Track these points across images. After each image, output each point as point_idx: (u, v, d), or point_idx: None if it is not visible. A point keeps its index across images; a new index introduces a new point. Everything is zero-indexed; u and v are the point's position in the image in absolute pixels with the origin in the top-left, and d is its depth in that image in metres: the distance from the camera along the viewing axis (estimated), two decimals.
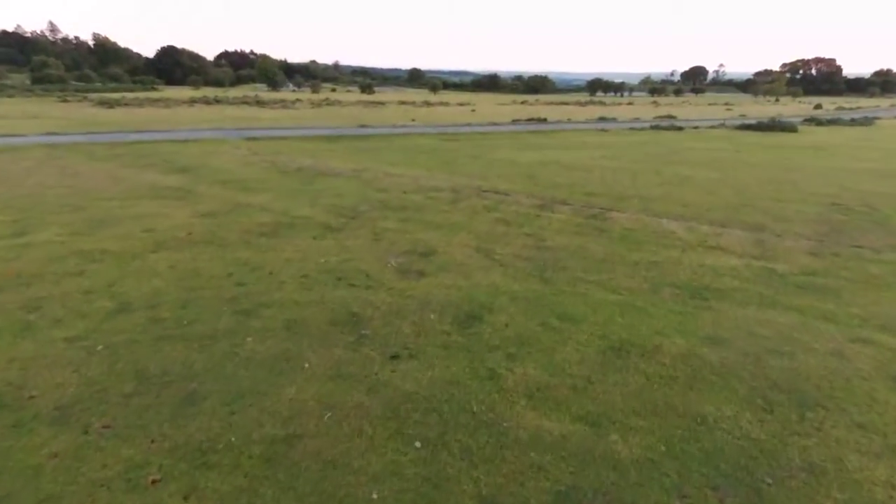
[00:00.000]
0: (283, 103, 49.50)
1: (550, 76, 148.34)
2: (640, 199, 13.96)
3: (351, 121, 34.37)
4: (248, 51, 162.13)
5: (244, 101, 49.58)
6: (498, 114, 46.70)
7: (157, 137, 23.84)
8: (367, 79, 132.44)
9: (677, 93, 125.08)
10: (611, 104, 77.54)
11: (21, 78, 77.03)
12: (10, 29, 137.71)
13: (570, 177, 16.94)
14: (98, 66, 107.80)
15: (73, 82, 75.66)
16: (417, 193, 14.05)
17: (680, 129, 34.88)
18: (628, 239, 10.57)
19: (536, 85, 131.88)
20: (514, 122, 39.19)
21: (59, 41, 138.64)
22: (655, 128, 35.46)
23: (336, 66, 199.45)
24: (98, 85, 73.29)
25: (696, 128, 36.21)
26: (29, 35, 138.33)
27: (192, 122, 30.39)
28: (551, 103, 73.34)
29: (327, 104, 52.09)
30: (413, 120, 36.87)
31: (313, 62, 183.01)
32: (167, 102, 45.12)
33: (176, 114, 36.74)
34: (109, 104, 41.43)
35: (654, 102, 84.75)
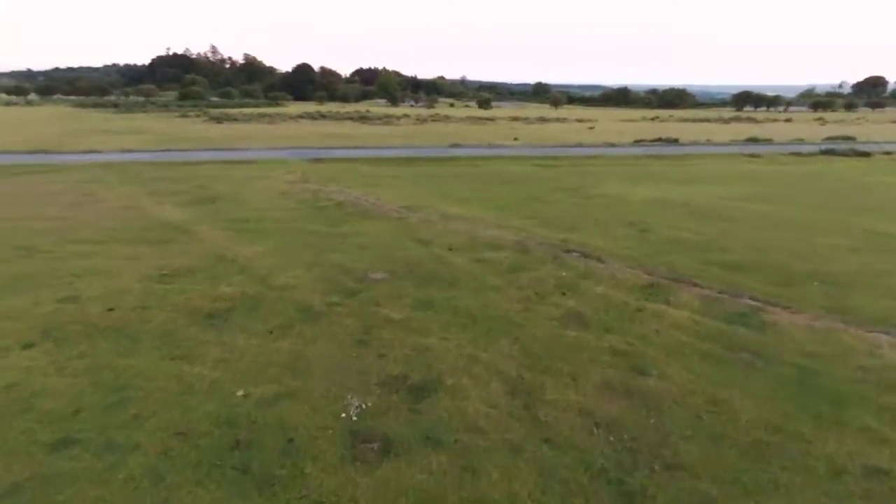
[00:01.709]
0: (387, 119, 47.71)
1: (690, 89, 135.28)
2: (823, 282, 8.61)
3: (444, 139, 30.95)
4: (380, 67, 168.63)
5: (349, 117, 48.48)
6: (619, 132, 40.55)
7: (220, 157, 22.15)
8: (493, 93, 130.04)
9: (849, 107, 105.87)
10: (763, 121, 65.90)
11: (174, 95, 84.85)
12: (180, 51, 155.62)
13: (701, 230, 11.78)
14: (245, 83, 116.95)
15: (215, 98, 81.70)
16: (467, 251, 9.92)
17: (866, 154, 26.35)
18: (813, 385, 5.60)
19: (672, 98, 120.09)
20: (637, 142, 33.29)
21: (217, 61, 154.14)
22: (828, 153, 27.03)
23: (463, 81, 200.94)
24: (236, 101, 78.33)
25: (888, 153, 27.45)
26: (194, 57, 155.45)
27: (273, 140, 28.84)
28: (687, 120, 64.21)
29: (433, 120, 49.43)
30: (516, 139, 32.55)
31: (441, 78, 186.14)
32: (273, 118, 45.28)
33: (271, 130, 36.00)
34: (219, 120, 42.34)
35: (820, 119, 71.11)
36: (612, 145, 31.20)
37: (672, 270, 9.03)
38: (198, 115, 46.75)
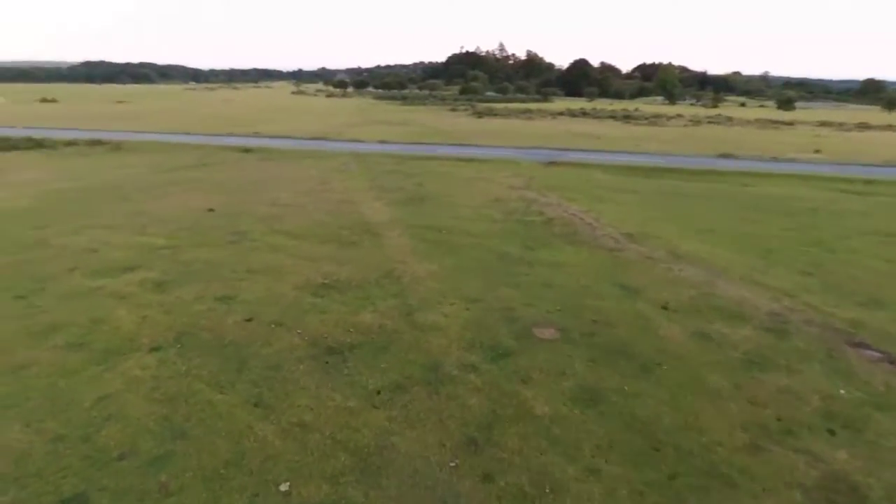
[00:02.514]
0: (654, 119, 42.35)
1: None
2: None
3: (714, 147, 25.48)
4: (665, 62, 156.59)
5: (612, 116, 44.51)
6: None
7: (457, 153, 21.88)
8: (802, 92, 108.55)
9: None
10: None
11: (456, 90, 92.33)
12: (472, 49, 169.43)
13: None
14: (523, 78, 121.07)
15: (490, 93, 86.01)
16: (688, 317, 7.05)
17: None
18: None
19: None
20: None
21: (501, 58, 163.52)
22: None
23: (764, 77, 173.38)
24: (508, 96, 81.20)
25: None
26: (483, 54, 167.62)
27: (519, 138, 27.59)
28: None
29: (710, 122, 42.13)
30: (817, 151, 25.06)
31: (736, 73, 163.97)
32: (533, 114, 44.21)
33: (524, 126, 34.91)
34: (481, 115, 43.35)
35: None
36: None
37: None
38: (465, 109, 49.08)
